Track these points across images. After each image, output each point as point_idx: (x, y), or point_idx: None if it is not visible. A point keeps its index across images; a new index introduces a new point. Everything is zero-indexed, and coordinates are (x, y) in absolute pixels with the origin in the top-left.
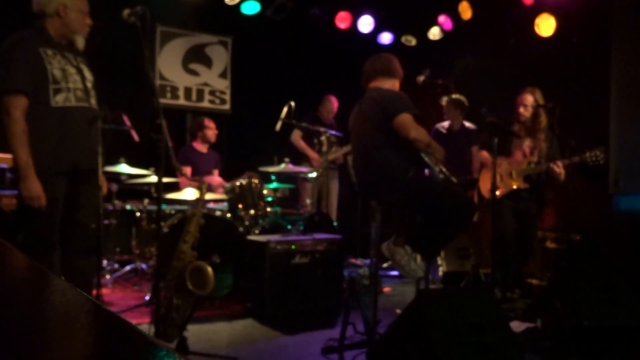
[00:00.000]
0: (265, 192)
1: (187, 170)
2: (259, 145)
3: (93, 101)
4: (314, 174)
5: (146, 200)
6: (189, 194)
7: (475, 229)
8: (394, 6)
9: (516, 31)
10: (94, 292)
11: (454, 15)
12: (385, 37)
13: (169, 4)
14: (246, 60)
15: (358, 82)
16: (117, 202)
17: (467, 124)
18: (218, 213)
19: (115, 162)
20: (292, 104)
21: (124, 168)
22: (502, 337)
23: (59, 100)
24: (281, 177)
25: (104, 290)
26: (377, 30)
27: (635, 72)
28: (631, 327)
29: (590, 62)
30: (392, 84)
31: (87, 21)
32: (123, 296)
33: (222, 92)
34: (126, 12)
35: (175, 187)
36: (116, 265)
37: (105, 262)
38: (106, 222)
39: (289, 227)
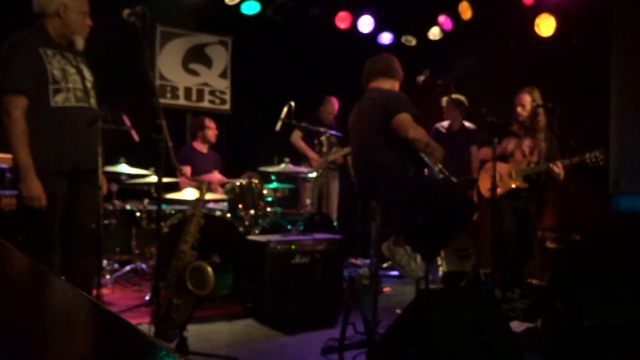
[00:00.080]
0: (265, 192)
1: (187, 170)
2: (259, 145)
3: (93, 101)
4: (314, 174)
5: (146, 200)
6: (189, 194)
7: (475, 229)
8: (394, 6)
9: (516, 31)
10: (94, 292)
11: (454, 15)
12: (385, 37)
13: (169, 4)
14: (246, 60)
15: (358, 82)
16: (117, 202)
17: (467, 123)
18: (218, 213)
19: (115, 162)
20: (292, 104)
21: (124, 168)
22: (502, 337)
23: (58, 100)
24: (281, 177)
25: (104, 290)
26: (377, 30)
27: (635, 72)
28: (631, 327)
29: (590, 62)
30: (392, 85)
31: (87, 22)
32: (123, 296)
33: (222, 92)
34: (126, 12)
35: (175, 187)
36: (116, 265)
37: (105, 262)
38: (106, 222)
39: (289, 227)
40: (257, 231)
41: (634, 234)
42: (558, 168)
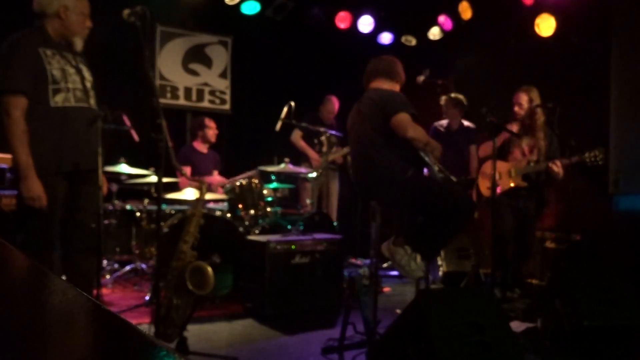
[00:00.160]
0: (265, 192)
1: (187, 170)
2: (259, 145)
3: (92, 101)
4: (314, 174)
5: (146, 200)
6: (189, 194)
7: (475, 229)
8: (394, 6)
9: (516, 31)
10: (94, 292)
11: (454, 15)
12: (385, 37)
13: (169, 4)
14: (246, 60)
15: (358, 82)
16: (117, 202)
17: (466, 123)
18: (218, 213)
19: (115, 162)
20: (292, 104)
21: (124, 168)
22: (502, 337)
23: (58, 100)
24: (281, 177)
25: (104, 290)
26: (377, 30)
27: (635, 72)
28: (631, 327)
29: (590, 62)
30: (392, 87)
31: (87, 23)
32: (123, 296)
33: (222, 92)
34: (126, 12)
35: (175, 187)
36: (116, 265)
37: (105, 262)
38: (106, 222)
39: (289, 227)
40: (257, 231)
41: (634, 234)
42: (557, 167)
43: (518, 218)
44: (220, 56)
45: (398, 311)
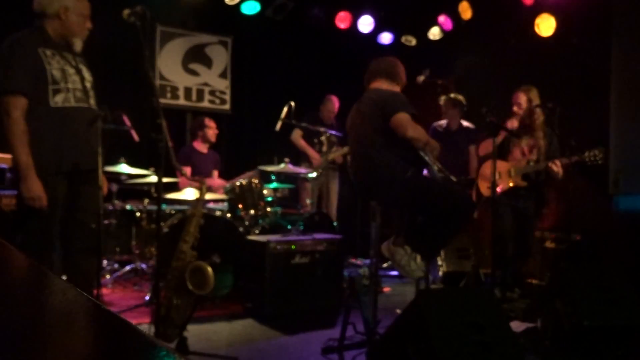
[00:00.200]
0: (265, 192)
1: (187, 170)
2: (259, 145)
3: (92, 101)
4: (314, 174)
5: (146, 200)
6: (189, 194)
7: (475, 229)
8: (394, 6)
9: (516, 31)
10: (94, 292)
11: (454, 15)
12: (385, 37)
13: (169, 4)
14: (246, 60)
15: (358, 82)
16: (117, 202)
17: (465, 123)
18: (218, 213)
19: (115, 162)
20: (292, 104)
21: (124, 168)
22: (502, 337)
23: (58, 100)
24: (281, 177)
25: (104, 290)
26: (377, 30)
27: (635, 72)
28: (631, 327)
29: (590, 62)
30: (392, 88)
31: (87, 25)
32: (123, 296)
33: (222, 92)
34: (126, 12)
35: (175, 187)
36: (116, 265)
37: (105, 262)
38: (106, 222)
39: (289, 227)
40: (257, 231)
41: (634, 234)
42: (557, 167)
43: (518, 218)
44: (220, 56)
45: (398, 311)
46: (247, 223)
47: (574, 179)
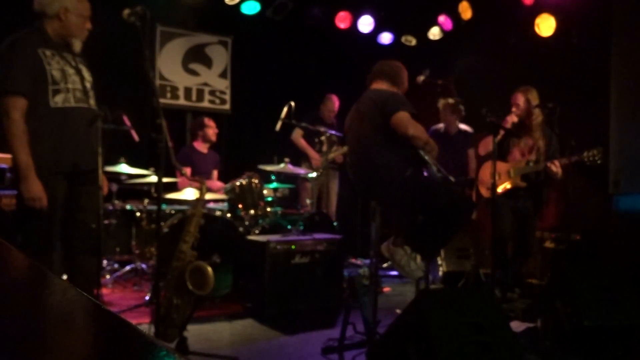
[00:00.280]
0: (265, 192)
1: (187, 170)
2: (259, 145)
3: (92, 102)
4: (314, 174)
5: (146, 200)
6: (189, 194)
7: (475, 229)
8: (394, 6)
9: (516, 31)
10: (94, 292)
11: (454, 15)
12: (385, 37)
13: (169, 4)
14: (246, 60)
15: (358, 82)
16: (117, 202)
17: (463, 126)
18: (218, 213)
19: (115, 162)
20: (292, 103)
21: (124, 168)
22: (502, 337)
23: (58, 101)
24: (281, 177)
25: (104, 290)
26: (377, 30)
27: (635, 72)
28: (631, 327)
29: (590, 62)
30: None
31: (87, 25)
32: (123, 296)
33: (222, 92)
34: (126, 12)
35: (174, 187)
36: (116, 265)
37: (105, 262)
38: (106, 222)
39: (289, 227)
40: (257, 231)
41: (634, 234)
42: (556, 167)
43: (518, 218)
44: (220, 56)
45: (398, 311)
46: (247, 223)
47: (574, 178)
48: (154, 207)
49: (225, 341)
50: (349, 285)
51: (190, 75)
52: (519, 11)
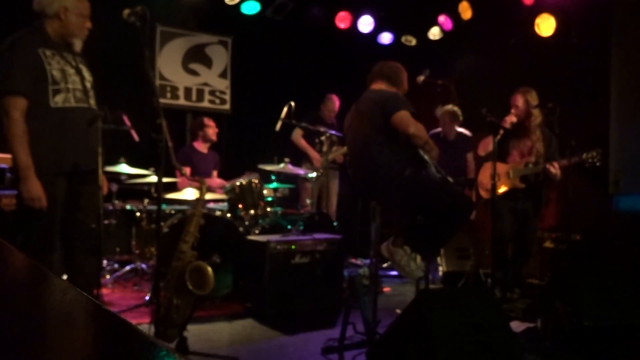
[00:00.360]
0: (265, 192)
1: (187, 170)
2: (259, 145)
3: (92, 102)
4: (314, 174)
5: (146, 200)
6: (189, 194)
7: (475, 230)
8: (394, 6)
9: (516, 31)
10: (94, 292)
11: (454, 15)
12: (385, 37)
13: (169, 4)
14: (246, 60)
15: (358, 82)
16: (117, 202)
17: (461, 130)
18: (218, 213)
19: (115, 162)
20: (292, 103)
21: (124, 168)
22: (502, 337)
23: (58, 101)
24: (281, 177)
25: (104, 290)
26: (377, 30)
27: (635, 72)
28: (631, 327)
29: (590, 62)
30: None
31: (87, 25)
32: (123, 296)
33: (222, 92)
34: (126, 12)
35: (174, 187)
36: (116, 265)
37: (105, 262)
38: (106, 222)
39: (289, 227)
40: (257, 231)
41: (634, 234)
42: (555, 168)
43: (518, 219)
44: (220, 56)
45: (398, 311)
46: (247, 223)
47: (574, 178)
48: (154, 207)
49: (225, 341)
50: (349, 285)
51: (190, 75)
52: (519, 11)
